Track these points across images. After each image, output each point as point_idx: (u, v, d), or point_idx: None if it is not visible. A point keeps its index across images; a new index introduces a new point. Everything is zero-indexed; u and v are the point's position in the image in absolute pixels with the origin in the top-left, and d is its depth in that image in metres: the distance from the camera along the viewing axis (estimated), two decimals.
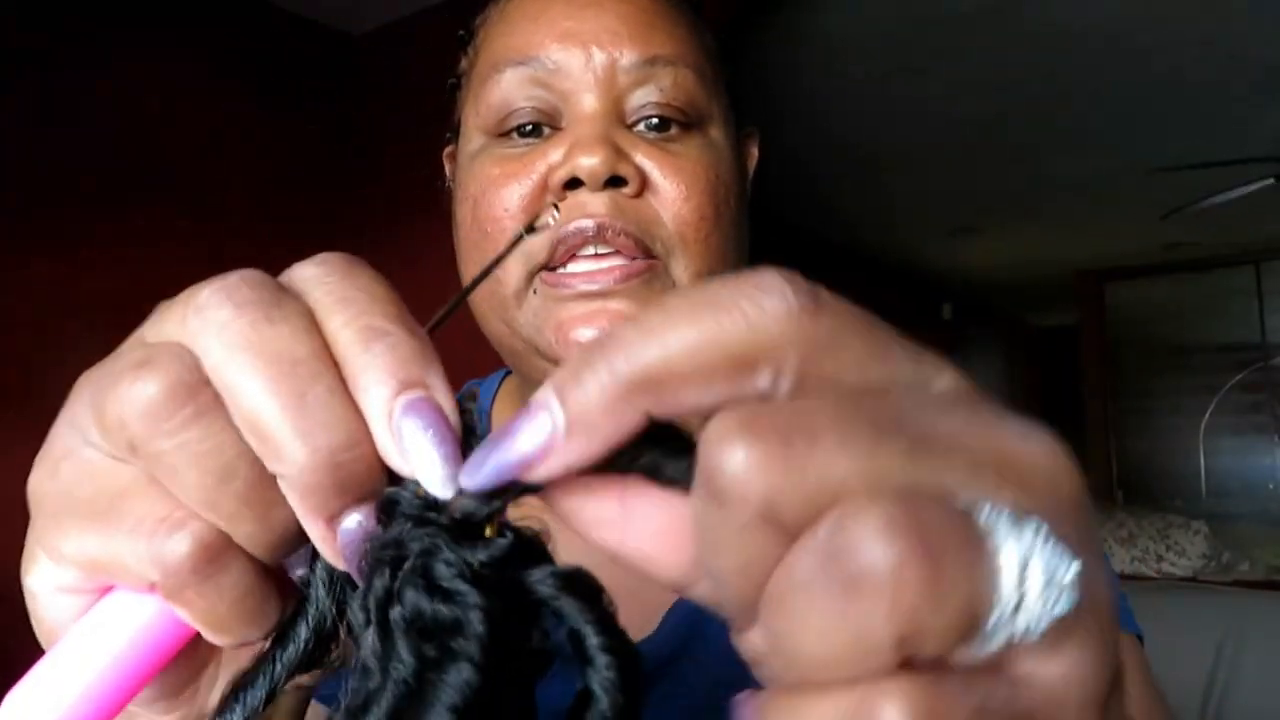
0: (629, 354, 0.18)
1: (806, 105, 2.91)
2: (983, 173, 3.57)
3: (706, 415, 0.18)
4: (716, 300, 0.18)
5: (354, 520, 0.21)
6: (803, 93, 2.80)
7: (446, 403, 0.21)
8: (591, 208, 0.49)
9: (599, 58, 0.51)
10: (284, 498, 0.21)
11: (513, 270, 0.51)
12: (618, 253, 0.49)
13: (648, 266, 0.50)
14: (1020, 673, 0.16)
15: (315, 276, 0.23)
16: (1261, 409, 4.83)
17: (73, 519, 0.22)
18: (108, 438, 0.21)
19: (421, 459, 0.21)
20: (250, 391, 0.21)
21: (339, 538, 0.21)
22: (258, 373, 0.21)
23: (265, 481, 0.21)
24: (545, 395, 0.19)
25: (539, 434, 0.19)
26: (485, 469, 0.20)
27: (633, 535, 0.20)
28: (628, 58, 0.51)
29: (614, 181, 0.49)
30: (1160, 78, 2.72)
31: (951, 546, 0.15)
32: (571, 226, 0.48)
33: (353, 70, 2.32)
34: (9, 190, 1.71)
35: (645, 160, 0.50)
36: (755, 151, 0.61)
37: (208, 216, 1.97)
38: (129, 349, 0.22)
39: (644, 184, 0.50)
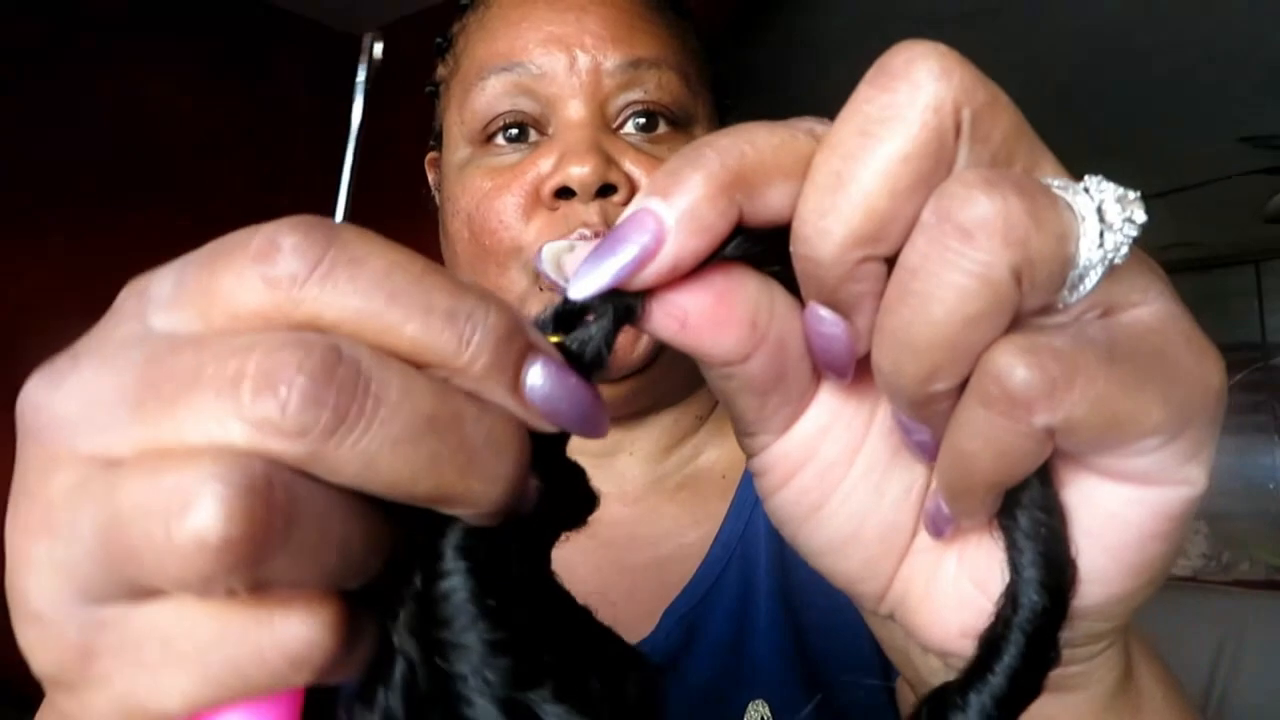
0: (724, 147, 0.20)
1: (800, 109, 2.90)
2: None
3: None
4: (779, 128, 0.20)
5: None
6: (801, 95, 2.80)
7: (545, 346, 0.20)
8: (585, 217, 0.50)
9: (583, 61, 0.52)
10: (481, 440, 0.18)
11: (516, 280, 0.52)
12: None
13: None
14: (1118, 312, 0.20)
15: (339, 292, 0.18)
16: (1261, 409, 4.82)
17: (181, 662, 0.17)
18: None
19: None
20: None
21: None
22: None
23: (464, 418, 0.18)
24: (644, 196, 0.20)
25: (645, 234, 0.19)
26: (595, 275, 0.20)
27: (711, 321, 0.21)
28: (611, 60, 0.52)
29: (604, 190, 0.50)
30: (1160, 78, 2.72)
31: (1040, 191, 0.18)
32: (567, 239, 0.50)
33: (353, 70, 2.32)
34: (9, 190, 1.71)
35: (634, 167, 0.51)
36: None
37: (208, 216, 1.96)
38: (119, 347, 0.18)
39: (633, 191, 0.51)
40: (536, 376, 0.19)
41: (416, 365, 0.18)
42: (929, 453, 0.21)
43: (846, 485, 0.24)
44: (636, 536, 0.58)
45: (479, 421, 0.18)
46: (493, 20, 0.55)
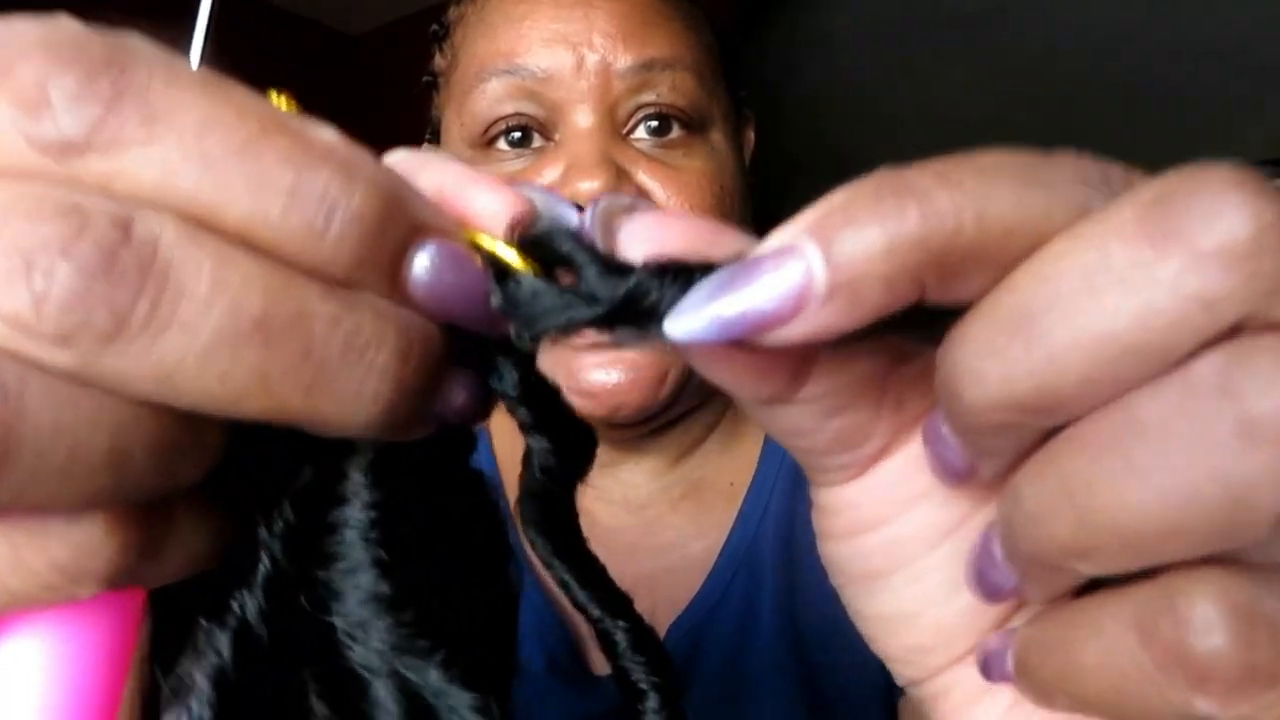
0: (940, 211, 0.14)
1: (808, 108, 2.90)
2: None
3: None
4: (1043, 178, 0.15)
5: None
6: (804, 95, 2.79)
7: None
8: None
9: (591, 62, 0.49)
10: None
11: None
12: None
13: None
14: None
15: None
16: None
17: None
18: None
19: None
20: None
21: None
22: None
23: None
24: (798, 236, 0.15)
25: (787, 287, 0.14)
26: (701, 316, 0.15)
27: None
28: (622, 61, 0.49)
29: None
30: (1162, 78, 2.70)
31: None
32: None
33: (353, 70, 2.31)
34: None
35: (647, 179, 0.48)
36: (751, 136, 0.59)
37: None
38: None
39: None
40: (423, 266, 0.15)
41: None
42: (954, 474, 0.18)
43: (920, 566, 0.20)
44: (639, 546, 0.56)
45: (335, 324, 0.14)
46: (493, 14, 0.52)
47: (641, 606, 0.58)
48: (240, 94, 0.14)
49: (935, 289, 0.15)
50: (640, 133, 0.50)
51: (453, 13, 0.56)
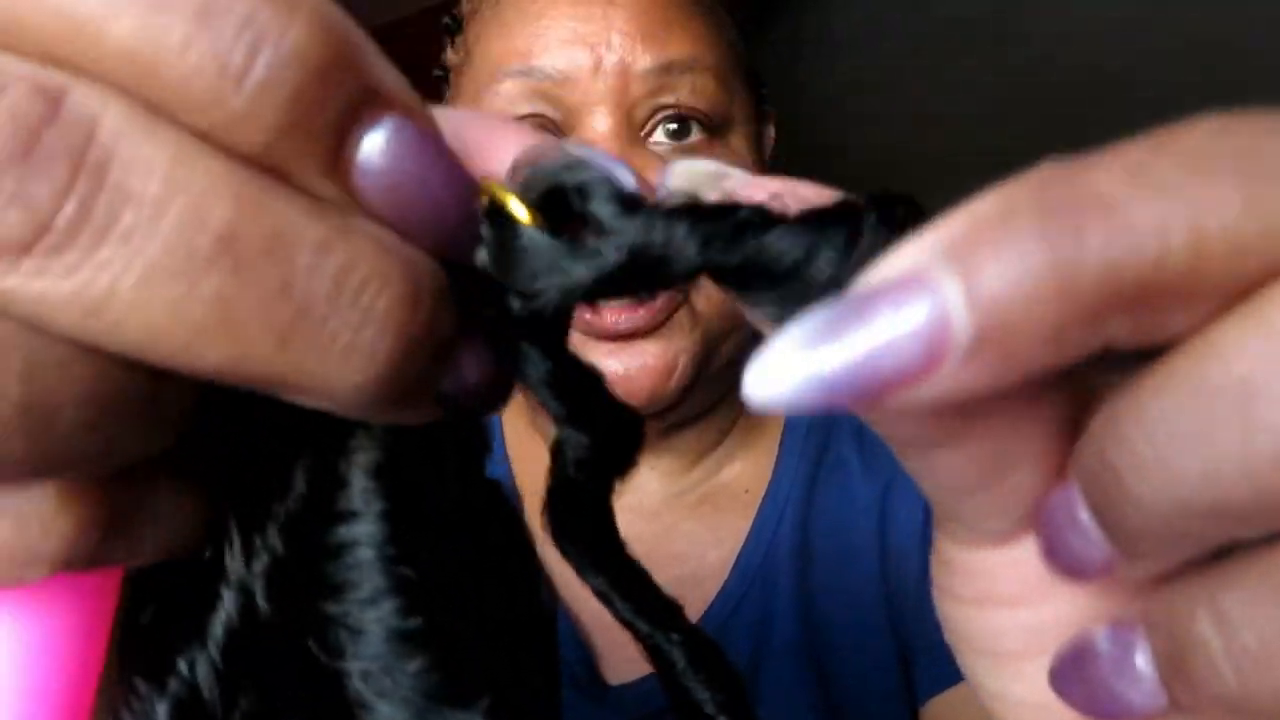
0: (1139, 213, 0.10)
1: (809, 108, 2.89)
2: (990, 175, 3.55)
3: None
4: (1258, 155, 0.10)
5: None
6: (805, 96, 2.78)
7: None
8: None
9: (609, 63, 0.47)
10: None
11: None
12: None
13: (669, 297, 0.48)
14: None
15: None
16: None
17: None
18: None
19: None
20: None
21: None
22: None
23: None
24: (930, 260, 0.11)
25: (915, 335, 0.11)
26: (795, 376, 0.11)
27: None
28: (641, 63, 0.47)
29: None
30: (1163, 78, 2.70)
31: None
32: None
33: None
34: None
35: None
36: (772, 133, 0.58)
37: None
38: None
39: None
40: (377, 147, 0.11)
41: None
42: (1080, 570, 0.13)
43: None
44: (653, 555, 0.55)
45: (325, 251, 0.11)
46: (508, 11, 0.50)
47: None
48: None
49: (1126, 338, 0.11)
50: (659, 135, 0.49)
51: (465, 6, 0.55)
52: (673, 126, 0.49)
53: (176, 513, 0.14)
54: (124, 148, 0.10)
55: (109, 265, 0.10)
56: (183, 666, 0.14)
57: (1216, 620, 0.11)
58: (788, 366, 0.11)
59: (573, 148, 0.14)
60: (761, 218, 0.13)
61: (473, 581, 0.16)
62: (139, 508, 0.13)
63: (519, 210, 0.13)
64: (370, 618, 0.14)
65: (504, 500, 0.17)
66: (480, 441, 0.16)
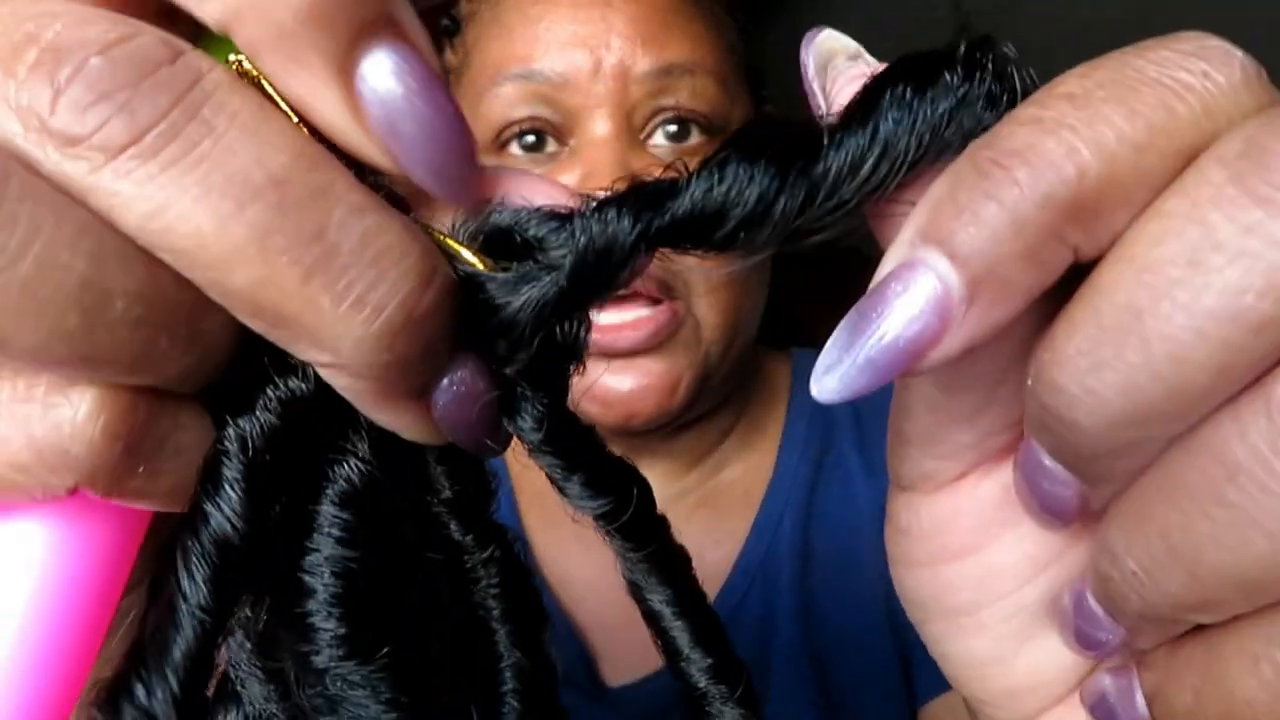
0: (1053, 154, 0.12)
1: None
2: None
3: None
4: (1144, 75, 0.13)
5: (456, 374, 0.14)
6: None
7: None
8: None
9: (609, 65, 0.47)
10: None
11: None
12: (637, 294, 0.46)
13: (671, 313, 0.47)
14: None
15: None
16: None
17: None
18: None
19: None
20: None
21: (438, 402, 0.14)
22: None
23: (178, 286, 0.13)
24: (913, 247, 0.13)
25: (923, 305, 0.13)
26: (845, 372, 0.14)
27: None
28: (641, 65, 0.47)
29: None
30: None
31: None
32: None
33: None
34: None
35: None
36: None
37: None
38: None
39: None
40: (383, 70, 0.13)
41: None
42: (1063, 511, 0.16)
43: (1012, 603, 0.18)
44: None
45: (359, 214, 0.13)
46: (508, 14, 0.50)
47: None
48: None
49: (1086, 243, 0.13)
50: (658, 138, 0.49)
51: (464, 7, 0.55)
52: (672, 129, 0.48)
53: (197, 454, 0.14)
54: (218, 98, 0.12)
55: (178, 180, 0.12)
56: (139, 691, 0.14)
57: (1109, 556, 0.14)
58: (842, 365, 0.14)
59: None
60: (670, 182, 0.15)
61: (472, 632, 0.16)
62: (163, 438, 0.14)
63: (470, 257, 0.14)
64: (323, 657, 0.14)
65: (508, 545, 0.17)
66: (482, 486, 0.17)
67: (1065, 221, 0.13)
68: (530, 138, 0.49)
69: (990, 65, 0.14)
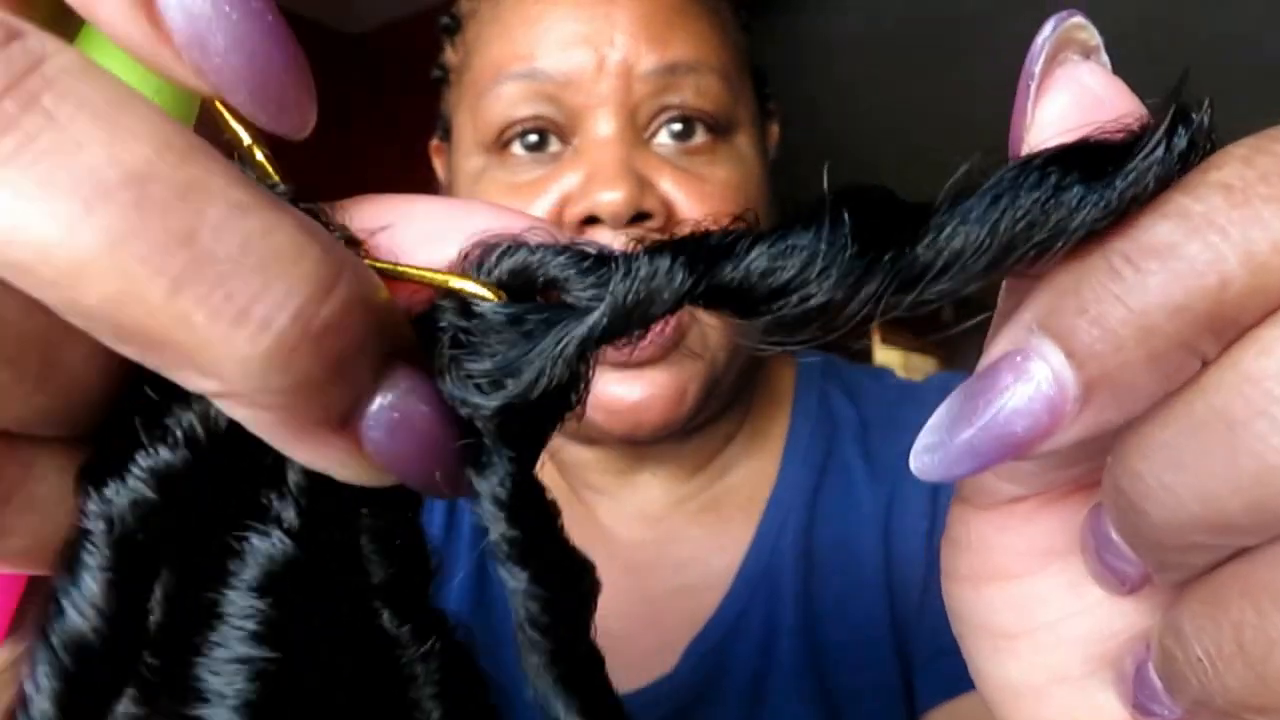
0: (1194, 263, 0.12)
1: (807, 109, 2.89)
2: (990, 174, 3.55)
3: None
4: None
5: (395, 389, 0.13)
6: (803, 96, 2.78)
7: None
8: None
9: (612, 64, 0.47)
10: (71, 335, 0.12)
11: None
12: None
13: (676, 322, 0.47)
14: None
15: None
16: None
17: None
18: None
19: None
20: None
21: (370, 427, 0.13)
22: None
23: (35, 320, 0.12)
24: (1029, 336, 0.13)
25: (1035, 400, 0.13)
26: (951, 456, 0.14)
27: None
28: (644, 64, 0.47)
29: (638, 217, 0.46)
30: (1162, 79, 2.69)
31: None
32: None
33: (353, 70, 2.29)
34: None
35: (670, 187, 0.47)
36: (776, 131, 0.57)
37: None
38: None
39: (670, 218, 0.46)
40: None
41: None
42: (1124, 584, 0.16)
43: (1052, 637, 0.17)
44: (659, 562, 0.54)
45: (241, 213, 0.11)
46: (509, 13, 0.49)
47: (661, 626, 0.56)
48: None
49: (1217, 350, 0.12)
50: (663, 136, 0.48)
51: (464, 6, 0.54)
52: (677, 127, 0.48)
53: (58, 509, 0.12)
54: (62, 84, 0.10)
55: (11, 181, 0.10)
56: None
57: (1175, 636, 0.14)
58: (944, 449, 0.14)
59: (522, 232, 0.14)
60: (732, 237, 0.13)
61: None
62: (10, 490, 0.12)
63: (474, 288, 0.13)
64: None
65: (449, 635, 0.15)
66: (421, 566, 0.15)
67: (1198, 334, 0.12)
68: (533, 137, 0.48)
69: (1188, 154, 0.12)
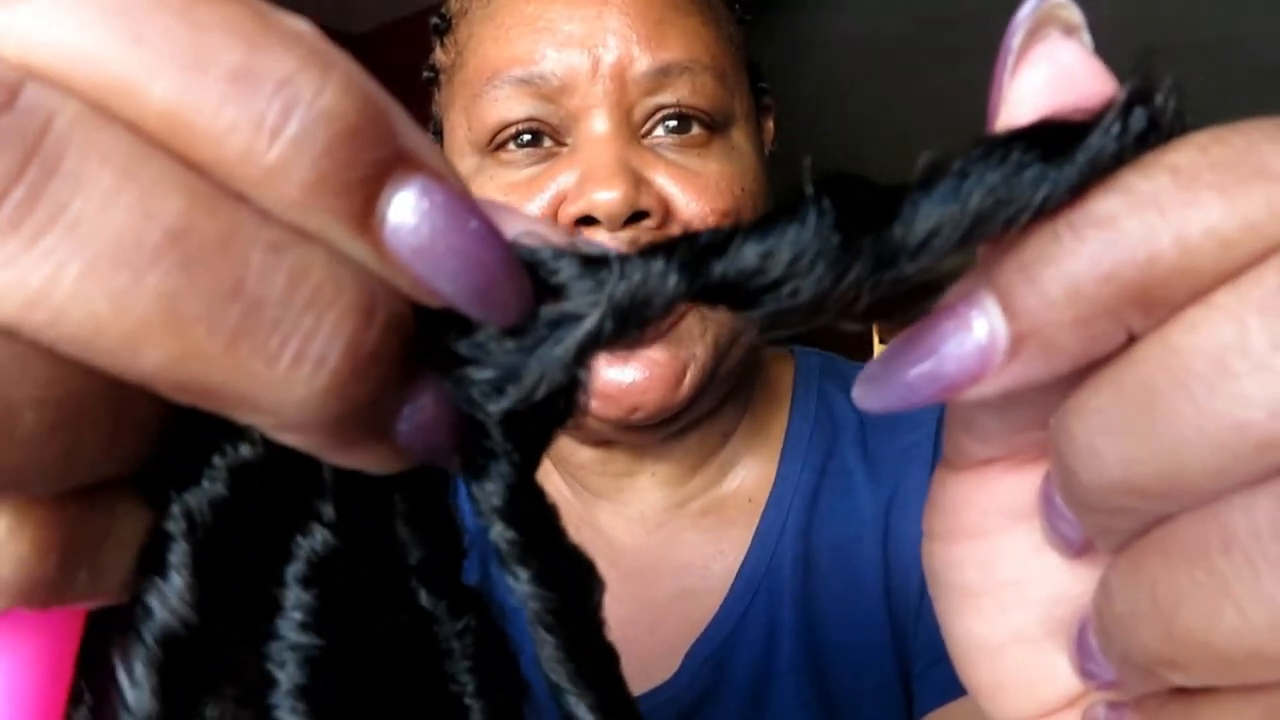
0: (1128, 236, 0.12)
1: (806, 108, 2.89)
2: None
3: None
4: (1264, 165, 0.12)
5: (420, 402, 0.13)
6: (801, 96, 2.78)
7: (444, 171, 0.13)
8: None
9: (607, 65, 0.47)
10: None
11: None
12: None
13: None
14: None
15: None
16: None
17: None
18: None
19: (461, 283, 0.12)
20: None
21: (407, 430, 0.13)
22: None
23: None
24: (978, 294, 0.14)
25: (969, 347, 0.13)
26: (886, 389, 0.15)
27: None
28: (639, 64, 0.47)
29: (634, 216, 0.45)
30: (1161, 79, 2.69)
31: None
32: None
33: None
34: None
35: (666, 183, 0.47)
36: (771, 127, 0.57)
37: None
38: None
39: (667, 215, 0.46)
40: (406, 209, 0.12)
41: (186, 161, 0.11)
42: (1068, 547, 0.17)
43: (1012, 597, 0.18)
44: (659, 566, 0.54)
45: (278, 254, 0.11)
46: (502, 13, 0.49)
47: (662, 631, 0.56)
48: None
49: (1145, 326, 0.13)
50: (659, 133, 0.48)
51: (454, 5, 0.54)
52: (672, 123, 0.48)
53: (140, 540, 0.13)
54: (79, 139, 0.10)
55: (53, 254, 0.10)
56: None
57: (1104, 593, 0.15)
58: (878, 381, 0.15)
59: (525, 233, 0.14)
60: (723, 236, 0.13)
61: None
62: (102, 534, 0.12)
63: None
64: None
65: (484, 611, 0.16)
66: (454, 547, 0.16)
67: (1124, 303, 0.12)
68: (526, 136, 0.48)
69: (1147, 134, 0.13)
